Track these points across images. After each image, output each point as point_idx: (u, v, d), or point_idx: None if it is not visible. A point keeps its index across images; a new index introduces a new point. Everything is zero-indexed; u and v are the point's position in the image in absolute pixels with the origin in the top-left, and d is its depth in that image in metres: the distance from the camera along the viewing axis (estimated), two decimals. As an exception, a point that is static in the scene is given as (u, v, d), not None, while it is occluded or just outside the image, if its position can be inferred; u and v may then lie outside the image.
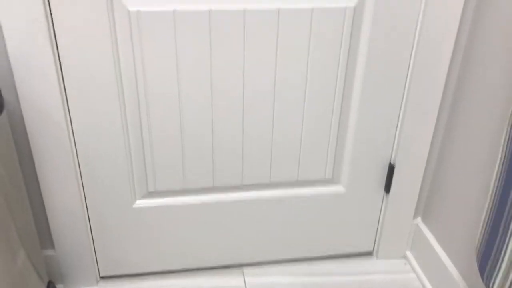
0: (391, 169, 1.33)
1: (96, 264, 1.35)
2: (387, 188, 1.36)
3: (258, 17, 1.07)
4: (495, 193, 0.91)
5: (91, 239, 1.30)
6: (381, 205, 1.40)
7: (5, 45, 1.01)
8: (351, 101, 1.23)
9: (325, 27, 1.11)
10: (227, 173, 1.27)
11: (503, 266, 0.90)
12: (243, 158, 1.25)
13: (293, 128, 1.23)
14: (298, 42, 1.12)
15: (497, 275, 0.91)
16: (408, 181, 1.34)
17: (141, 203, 1.28)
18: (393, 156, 1.32)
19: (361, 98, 1.22)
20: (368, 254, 1.50)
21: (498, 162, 0.90)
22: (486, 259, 0.94)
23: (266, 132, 1.23)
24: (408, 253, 1.48)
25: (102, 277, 1.39)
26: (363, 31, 1.13)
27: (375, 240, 1.47)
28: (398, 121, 1.27)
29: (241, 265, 1.45)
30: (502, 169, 0.89)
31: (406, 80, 1.21)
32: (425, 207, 1.40)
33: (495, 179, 0.91)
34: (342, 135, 1.27)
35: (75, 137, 1.15)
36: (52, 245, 1.28)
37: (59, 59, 1.05)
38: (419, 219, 1.43)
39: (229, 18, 1.06)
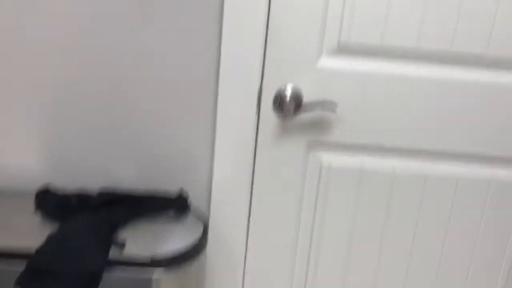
0: None
1: None
2: None
3: (437, 184, 1.15)
4: None
5: None
6: None
7: (211, 180, 1.15)
8: None
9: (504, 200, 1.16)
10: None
11: None
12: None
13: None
14: (472, 212, 1.17)
15: None
16: None
17: None
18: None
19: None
20: None
21: None
22: None
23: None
24: None
25: None
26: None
27: None
28: None
29: None
30: None
31: None
32: None
33: None
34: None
35: (246, 264, 1.22)
36: None
37: (250, 198, 1.17)
38: None
39: (409, 181, 1.15)
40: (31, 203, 1.06)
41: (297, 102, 1.07)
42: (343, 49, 1.07)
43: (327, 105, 1.05)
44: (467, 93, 1.09)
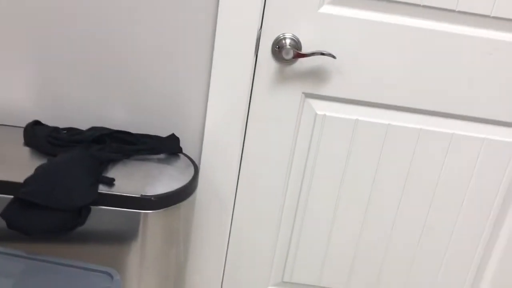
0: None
1: None
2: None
3: (431, 138, 1.14)
4: None
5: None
6: None
7: (203, 125, 1.13)
8: (500, 231, 1.24)
9: (493, 158, 1.16)
10: (362, 276, 1.28)
11: None
12: (381, 268, 1.27)
13: (437, 249, 1.25)
14: (463, 167, 1.17)
15: None
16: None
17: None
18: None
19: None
20: None
21: None
22: None
23: (408, 252, 1.25)
24: None
25: None
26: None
27: None
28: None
29: None
30: None
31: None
32: None
33: None
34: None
35: (234, 209, 1.23)
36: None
37: (244, 140, 1.16)
38: None
39: (404, 136, 1.14)
40: (20, 137, 1.04)
41: (296, 47, 1.05)
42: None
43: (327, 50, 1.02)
44: (470, 50, 1.07)
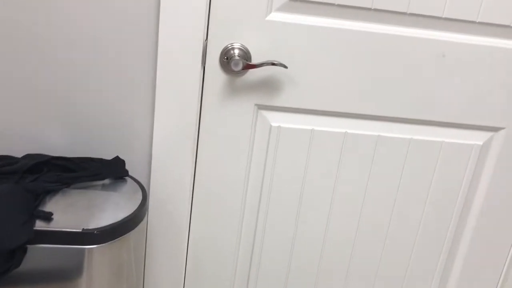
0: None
1: None
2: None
3: (389, 144, 1.11)
4: None
5: None
6: None
7: (151, 144, 1.05)
8: (461, 237, 1.22)
9: (452, 161, 1.13)
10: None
11: None
12: (346, 277, 1.23)
13: (404, 253, 1.22)
14: (423, 171, 1.14)
15: None
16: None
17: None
18: (497, 294, 1.28)
19: (473, 234, 1.21)
20: None
21: None
22: None
23: (375, 254, 1.21)
24: None
25: None
26: (486, 168, 1.16)
27: None
28: (507, 257, 1.25)
29: None
30: None
31: (520, 218, 1.21)
32: None
33: None
34: (448, 268, 1.25)
35: (190, 234, 1.15)
36: None
37: (196, 158, 1.09)
38: None
39: (362, 143, 1.10)
40: None
41: (246, 58, 0.98)
42: (294, 5, 0.98)
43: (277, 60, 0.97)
44: (421, 54, 1.04)
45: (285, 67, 0.96)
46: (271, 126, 1.07)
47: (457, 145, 1.12)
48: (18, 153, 1.02)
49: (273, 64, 0.95)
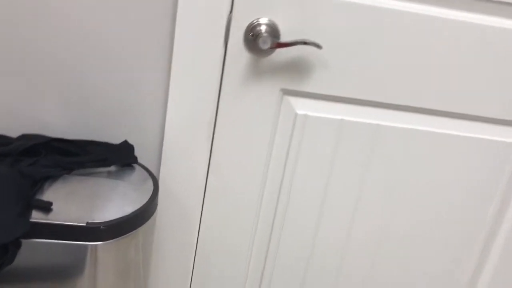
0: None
1: None
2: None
3: (425, 139, 1.00)
4: None
5: None
6: None
7: (163, 128, 0.94)
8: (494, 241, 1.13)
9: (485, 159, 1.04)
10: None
11: None
12: (368, 283, 1.13)
13: (432, 260, 1.12)
14: (461, 169, 1.04)
15: None
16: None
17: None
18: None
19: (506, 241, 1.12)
20: None
21: None
22: None
23: (403, 261, 1.12)
24: None
25: None
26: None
27: None
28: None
29: None
30: None
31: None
32: None
33: None
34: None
35: (200, 228, 1.05)
36: None
37: (211, 149, 0.98)
38: None
39: (395, 137, 1.00)
40: None
41: (274, 35, 0.87)
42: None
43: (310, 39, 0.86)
44: (465, 41, 0.93)
45: (319, 47, 0.85)
46: (296, 114, 0.96)
47: (497, 142, 1.02)
48: (13, 133, 0.91)
49: (305, 43, 0.84)
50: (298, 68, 0.92)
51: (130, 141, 0.94)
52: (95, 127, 0.94)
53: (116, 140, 0.94)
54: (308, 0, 0.87)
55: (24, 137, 0.87)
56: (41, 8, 0.85)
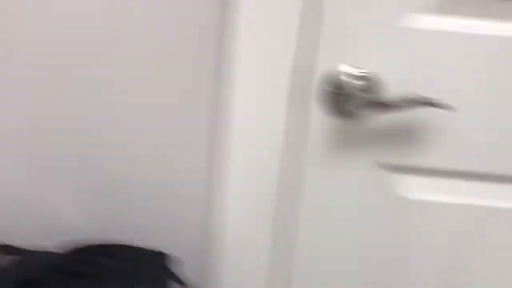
0: None
1: None
2: None
3: None
4: None
5: None
6: None
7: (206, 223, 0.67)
8: None
9: None
10: None
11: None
12: None
13: None
14: None
15: None
16: None
17: None
18: None
19: None
20: None
21: None
22: None
23: None
24: None
25: None
26: None
27: None
28: None
29: None
30: None
31: None
32: None
33: None
34: None
35: None
36: None
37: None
38: None
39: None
40: None
41: (369, 90, 0.57)
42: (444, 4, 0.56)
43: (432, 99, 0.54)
44: None
45: (451, 109, 0.53)
46: (404, 197, 0.65)
47: None
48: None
49: (431, 104, 0.52)
50: (404, 134, 0.61)
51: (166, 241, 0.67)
52: (120, 223, 0.68)
53: (145, 241, 0.67)
54: (418, 37, 0.56)
55: (23, 253, 0.62)
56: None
